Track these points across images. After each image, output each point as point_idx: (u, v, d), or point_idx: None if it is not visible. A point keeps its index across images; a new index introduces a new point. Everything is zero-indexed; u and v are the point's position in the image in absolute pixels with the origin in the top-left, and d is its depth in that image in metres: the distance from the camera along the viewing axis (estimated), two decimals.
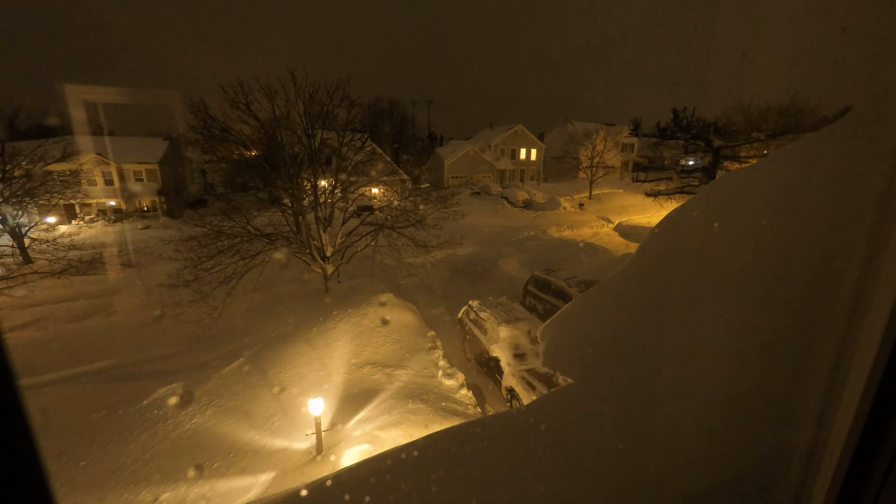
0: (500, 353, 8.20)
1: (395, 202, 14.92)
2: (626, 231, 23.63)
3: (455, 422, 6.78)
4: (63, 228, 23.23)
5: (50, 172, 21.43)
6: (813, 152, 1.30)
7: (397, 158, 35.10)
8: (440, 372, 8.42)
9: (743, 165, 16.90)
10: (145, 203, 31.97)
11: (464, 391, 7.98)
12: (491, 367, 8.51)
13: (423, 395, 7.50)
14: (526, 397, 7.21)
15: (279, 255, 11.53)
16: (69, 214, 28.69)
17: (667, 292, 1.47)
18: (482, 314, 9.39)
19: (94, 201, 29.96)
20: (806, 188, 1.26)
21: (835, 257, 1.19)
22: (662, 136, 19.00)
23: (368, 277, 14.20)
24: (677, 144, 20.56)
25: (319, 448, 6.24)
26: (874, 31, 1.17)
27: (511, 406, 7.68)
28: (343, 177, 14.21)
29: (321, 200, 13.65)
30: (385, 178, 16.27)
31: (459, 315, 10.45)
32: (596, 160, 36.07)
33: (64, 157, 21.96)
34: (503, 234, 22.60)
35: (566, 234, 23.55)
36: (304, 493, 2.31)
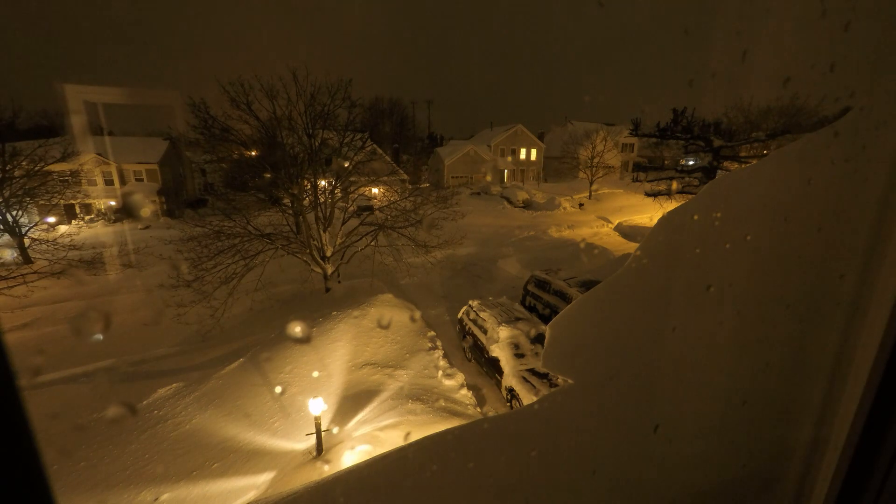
0: (500, 353, 8.20)
1: (395, 198, 14.94)
2: (626, 231, 23.62)
3: (455, 422, 6.78)
4: (63, 228, 23.24)
5: (50, 172, 21.43)
6: (813, 152, 1.30)
7: (397, 158, 35.12)
8: (440, 372, 8.42)
9: (743, 165, 16.90)
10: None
11: (464, 391, 7.98)
12: (491, 367, 8.51)
13: (423, 396, 7.50)
14: (526, 397, 7.21)
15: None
16: (69, 214, 28.70)
17: (666, 293, 1.47)
18: (482, 314, 9.39)
19: (94, 201, 29.97)
20: (806, 188, 1.26)
21: (835, 257, 1.19)
22: (662, 137, 19.00)
23: (368, 277, 14.19)
24: (677, 144, 20.56)
25: (319, 448, 6.24)
26: (875, 31, 1.17)
27: (511, 406, 7.68)
28: (343, 176, 14.22)
29: (321, 200, 13.66)
30: (385, 178, 16.28)
31: (459, 315, 10.45)
32: (596, 160, 36.09)
33: (64, 158, 21.96)
34: (503, 234, 22.60)
35: (566, 234, 23.55)
36: (304, 493, 2.31)
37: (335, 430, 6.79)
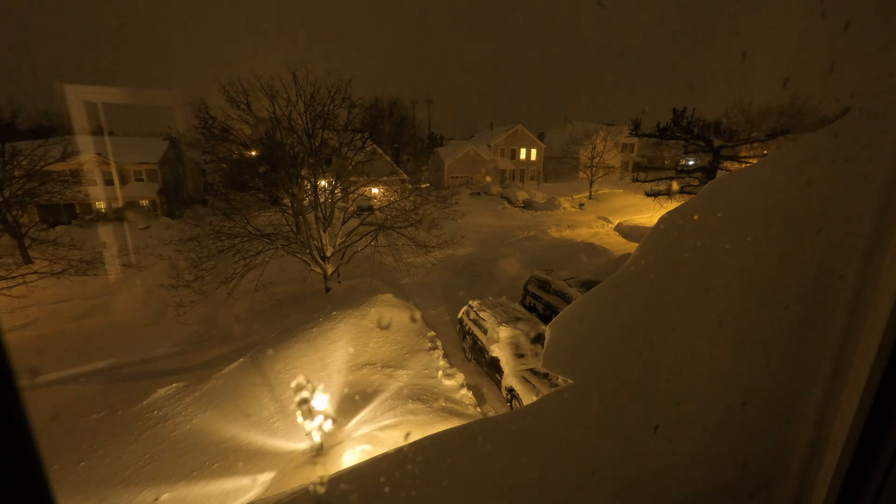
0: (500, 353, 8.20)
1: (395, 198, 14.95)
2: (626, 231, 23.63)
3: (455, 422, 6.78)
4: (62, 228, 23.25)
5: (50, 172, 21.42)
6: (813, 152, 1.30)
7: (397, 158, 35.11)
8: (440, 372, 8.42)
9: (743, 165, 16.90)
10: (145, 203, 32.00)
11: (464, 391, 7.97)
12: (491, 367, 8.51)
13: (423, 396, 7.50)
14: (526, 397, 7.21)
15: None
16: (69, 214, 28.70)
17: (666, 293, 1.47)
18: (482, 314, 9.39)
19: (94, 201, 29.97)
20: (806, 188, 1.26)
21: (835, 257, 1.19)
22: (662, 137, 18.98)
23: (368, 277, 14.20)
24: (677, 144, 20.55)
25: (319, 448, 6.24)
26: (875, 31, 1.17)
27: (511, 406, 7.68)
28: (343, 176, 14.23)
29: (321, 200, 13.66)
30: (385, 178, 16.29)
31: (459, 315, 10.45)
32: (596, 160, 36.10)
33: (64, 158, 21.96)
34: (503, 234, 22.59)
35: (566, 234, 23.55)
36: (304, 493, 2.31)
37: (335, 428, 6.78)
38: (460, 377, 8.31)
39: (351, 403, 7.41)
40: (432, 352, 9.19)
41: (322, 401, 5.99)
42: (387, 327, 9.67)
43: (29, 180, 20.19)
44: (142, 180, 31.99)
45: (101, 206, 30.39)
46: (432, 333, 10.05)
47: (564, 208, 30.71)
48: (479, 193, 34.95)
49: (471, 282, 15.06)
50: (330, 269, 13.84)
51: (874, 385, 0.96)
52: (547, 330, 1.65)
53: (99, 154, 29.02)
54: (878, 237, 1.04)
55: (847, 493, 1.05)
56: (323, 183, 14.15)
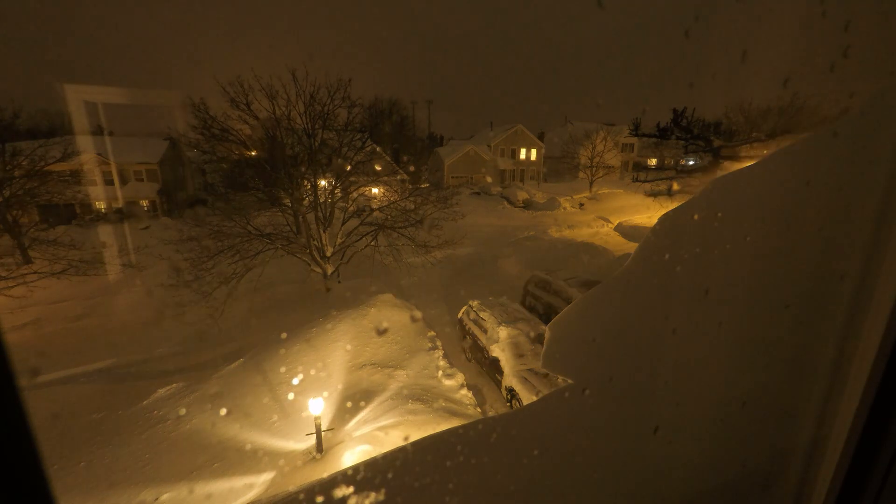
0: (500, 353, 8.20)
1: (395, 198, 14.96)
2: (626, 231, 23.62)
3: (455, 422, 6.78)
4: (62, 228, 23.23)
5: (50, 172, 21.41)
6: (813, 152, 1.30)
7: (397, 158, 35.10)
8: (440, 372, 8.42)
9: (743, 165, 16.87)
10: (145, 203, 32.01)
11: (464, 391, 7.97)
12: (491, 367, 8.51)
13: (423, 396, 7.50)
14: (526, 397, 7.21)
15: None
16: (69, 214, 28.69)
17: (666, 293, 1.47)
18: (482, 314, 9.39)
19: (94, 201, 29.97)
20: (806, 188, 1.26)
21: (835, 257, 1.19)
22: (662, 136, 18.98)
23: (368, 277, 14.19)
24: (677, 144, 20.54)
25: (319, 448, 6.24)
26: (875, 31, 1.17)
27: (511, 406, 7.68)
28: (343, 177, 14.23)
29: (321, 200, 13.66)
30: (385, 178, 16.30)
31: (459, 315, 10.45)
32: (596, 160, 36.10)
33: (64, 158, 21.93)
34: (503, 234, 22.58)
35: (566, 234, 23.54)
36: (303, 493, 2.31)
37: (335, 429, 6.79)
38: (460, 377, 8.31)
39: (351, 403, 7.41)
40: (432, 352, 9.18)
41: (318, 405, 5.99)
42: (385, 332, 9.66)
43: (29, 180, 20.19)
44: (142, 180, 31.99)
45: (101, 206, 30.38)
46: (432, 333, 10.05)
47: (564, 208, 30.70)
48: (479, 193, 34.94)
49: (471, 282, 15.04)
50: (330, 270, 13.84)
51: (874, 385, 0.96)
52: (547, 330, 1.65)
53: (99, 154, 28.98)
54: (878, 237, 1.04)
55: (847, 493, 1.05)
56: (323, 183, 14.15)
